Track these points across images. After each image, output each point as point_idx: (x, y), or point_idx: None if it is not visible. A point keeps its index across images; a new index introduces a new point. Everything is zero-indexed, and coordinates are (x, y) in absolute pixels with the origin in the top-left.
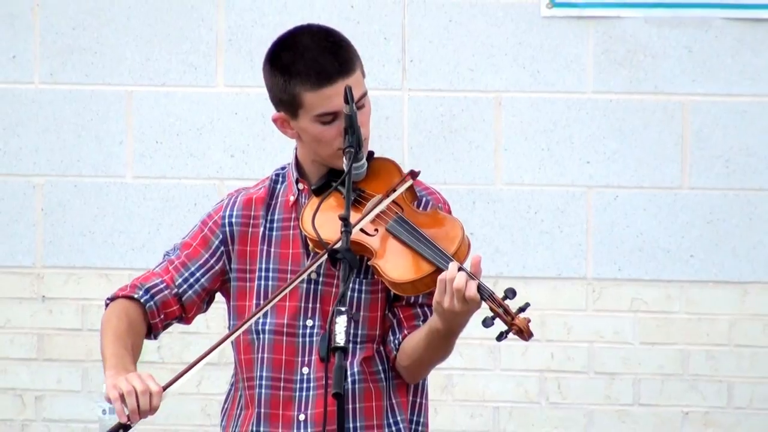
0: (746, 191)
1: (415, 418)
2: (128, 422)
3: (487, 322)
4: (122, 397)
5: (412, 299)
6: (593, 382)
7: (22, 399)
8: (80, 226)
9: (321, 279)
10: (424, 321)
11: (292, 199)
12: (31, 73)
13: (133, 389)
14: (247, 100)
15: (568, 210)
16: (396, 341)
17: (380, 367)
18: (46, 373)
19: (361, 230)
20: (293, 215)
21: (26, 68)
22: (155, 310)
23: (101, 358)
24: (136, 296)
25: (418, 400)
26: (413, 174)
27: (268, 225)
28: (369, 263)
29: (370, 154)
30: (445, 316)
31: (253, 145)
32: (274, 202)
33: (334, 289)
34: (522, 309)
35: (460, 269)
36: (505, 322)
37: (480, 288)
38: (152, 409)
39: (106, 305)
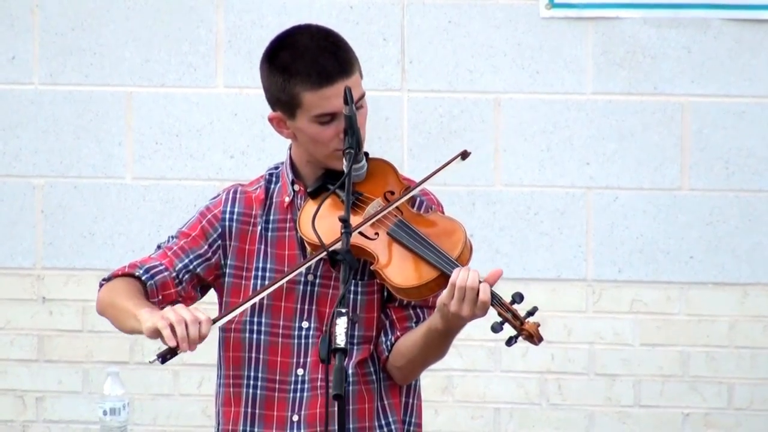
0: (746, 192)
1: (407, 419)
2: (177, 348)
3: (496, 327)
4: (171, 327)
5: (405, 300)
6: (594, 383)
7: (22, 400)
8: (80, 227)
9: (317, 281)
10: (417, 322)
11: (287, 200)
12: (31, 74)
13: (183, 318)
14: (247, 101)
15: (567, 211)
16: (388, 342)
17: (372, 369)
18: (47, 374)
19: (361, 233)
20: (288, 216)
21: (26, 69)
22: (155, 290)
23: (116, 319)
24: (136, 273)
25: (411, 400)
26: (465, 154)
27: (264, 225)
28: (371, 268)
29: (365, 155)
30: (449, 319)
31: (253, 146)
32: (269, 202)
33: (330, 291)
34: (530, 313)
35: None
36: (515, 327)
37: (491, 294)
38: (201, 338)
39: (101, 286)
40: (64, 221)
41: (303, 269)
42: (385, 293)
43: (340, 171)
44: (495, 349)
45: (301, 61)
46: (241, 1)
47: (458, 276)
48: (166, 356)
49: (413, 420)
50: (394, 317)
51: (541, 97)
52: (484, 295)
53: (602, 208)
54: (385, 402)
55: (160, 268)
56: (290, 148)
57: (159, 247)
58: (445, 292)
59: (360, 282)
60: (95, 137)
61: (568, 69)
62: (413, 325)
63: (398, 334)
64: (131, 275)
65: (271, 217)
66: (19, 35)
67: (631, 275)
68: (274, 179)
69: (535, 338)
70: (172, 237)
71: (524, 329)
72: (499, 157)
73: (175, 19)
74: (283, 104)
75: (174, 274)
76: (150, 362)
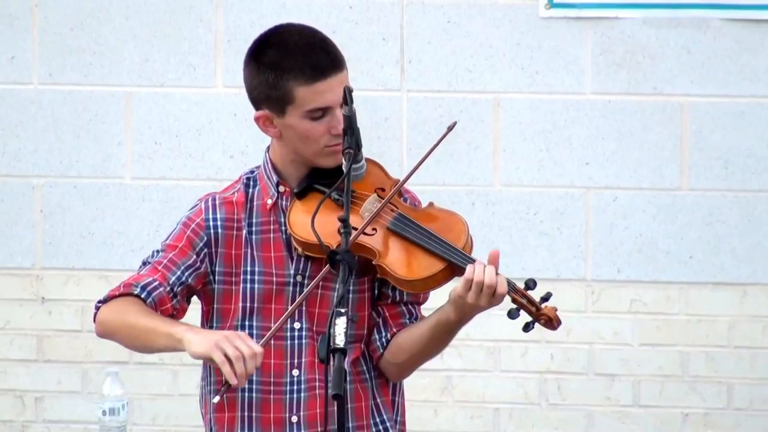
0: (745, 192)
1: (394, 417)
2: (237, 384)
3: (513, 314)
4: (230, 362)
5: (398, 297)
6: (593, 383)
7: (22, 400)
8: (79, 227)
9: (306, 281)
10: (410, 318)
11: (270, 202)
12: (30, 73)
13: (242, 354)
14: (246, 101)
15: (567, 211)
16: (383, 339)
17: (365, 367)
18: (46, 374)
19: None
20: (272, 218)
21: (25, 69)
22: (153, 306)
23: (135, 339)
24: (135, 292)
25: (397, 399)
26: (452, 127)
27: (247, 228)
28: (374, 263)
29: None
30: (464, 310)
31: (252, 146)
32: (250, 205)
33: (319, 291)
34: (545, 299)
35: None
36: (531, 313)
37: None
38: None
39: (97, 308)
40: (64, 221)
41: (292, 270)
42: (376, 291)
43: (328, 169)
44: (494, 349)
45: (293, 57)
46: (240, 0)
47: (474, 272)
48: (225, 392)
49: (399, 418)
50: (387, 314)
51: (540, 97)
52: (501, 287)
53: (601, 208)
54: (378, 400)
55: (155, 284)
56: (268, 151)
57: (144, 263)
58: (460, 287)
59: (350, 280)
60: (94, 137)
61: (567, 69)
62: (407, 321)
63: (394, 330)
64: (129, 294)
65: (254, 220)
66: (19, 35)
67: (630, 275)
68: (251, 183)
69: (554, 322)
70: (158, 251)
71: (542, 314)
72: (498, 157)
73: (175, 19)
74: (273, 101)
75: (168, 288)
76: (215, 402)
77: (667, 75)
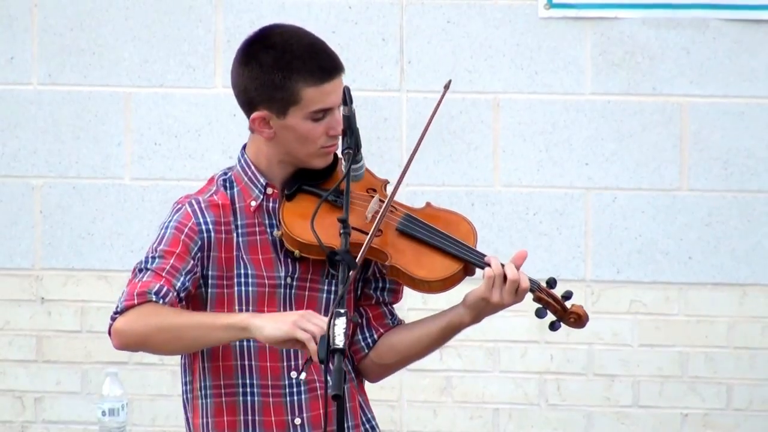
0: (745, 193)
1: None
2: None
3: (540, 313)
4: (315, 339)
5: (381, 298)
6: (592, 383)
7: (21, 401)
8: (79, 227)
9: (294, 283)
10: (392, 320)
11: (254, 204)
12: (30, 74)
13: (323, 329)
14: None
15: (566, 212)
16: (369, 340)
17: (350, 367)
18: (46, 374)
19: (362, 232)
20: (258, 221)
21: (24, 69)
22: None
23: (177, 340)
24: (153, 300)
25: (367, 398)
26: (448, 85)
27: (235, 231)
28: (386, 264)
29: (336, 155)
30: (483, 312)
31: None
32: (233, 207)
33: (307, 293)
34: (566, 297)
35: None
36: (557, 312)
37: (528, 280)
38: None
39: (113, 320)
40: (63, 222)
41: (282, 272)
42: (358, 292)
43: (317, 170)
44: (494, 349)
45: (300, 59)
46: (240, 1)
47: (494, 270)
48: (308, 367)
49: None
50: (371, 315)
51: (539, 97)
52: (525, 283)
53: (601, 208)
54: (360, 399)
55: (165, 289)
56: (244, 152)
57: (141, 270)
58: (483, 288)
59: (333, 281)
60: (94, 138)
61: (566, 69)
62: (390, 322)
63: (381, 331)
64: (145, 303)
65: (239, 223)
66: (18, 35)
67: (630, 276)
68: (228, 185)
69: (583, 319)
70: (153, 257)
71: (572, 312)
72: (497, 157)
73: (174, 20)
74: (276, 102)
75: (175, 294)
76: (302, 379)
77: (667, 75)
